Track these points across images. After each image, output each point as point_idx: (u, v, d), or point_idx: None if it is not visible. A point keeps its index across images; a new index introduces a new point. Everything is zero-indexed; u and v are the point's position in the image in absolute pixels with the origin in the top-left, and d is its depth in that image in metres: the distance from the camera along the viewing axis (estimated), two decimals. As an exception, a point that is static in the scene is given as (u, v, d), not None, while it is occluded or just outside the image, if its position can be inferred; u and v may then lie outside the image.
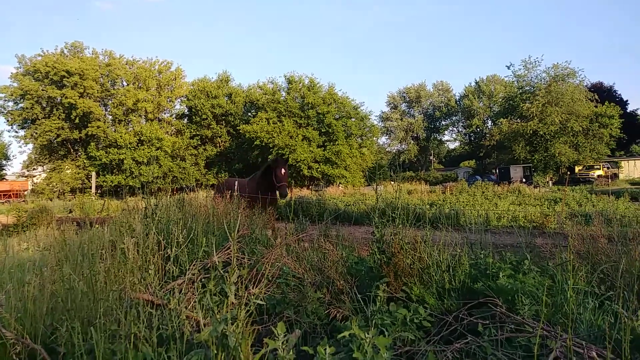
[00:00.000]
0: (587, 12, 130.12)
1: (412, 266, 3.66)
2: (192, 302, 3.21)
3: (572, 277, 3.37)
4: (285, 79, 54.15)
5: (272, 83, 56.60)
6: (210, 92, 58.30)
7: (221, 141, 59.28)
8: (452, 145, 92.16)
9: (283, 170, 8.64)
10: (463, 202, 19.59)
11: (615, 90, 64.55)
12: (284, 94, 53.67)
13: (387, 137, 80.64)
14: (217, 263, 2.44)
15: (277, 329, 2.11)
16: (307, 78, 53.15)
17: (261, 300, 2.54)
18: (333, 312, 3.34)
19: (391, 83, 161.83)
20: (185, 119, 60.40)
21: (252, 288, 3.58)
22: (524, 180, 41.90)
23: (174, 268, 4.13)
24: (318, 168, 48.16)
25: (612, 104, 51.38)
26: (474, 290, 3.58)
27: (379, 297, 3.07)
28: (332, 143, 49.94)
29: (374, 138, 59.89)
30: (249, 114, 58.65)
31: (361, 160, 51.99)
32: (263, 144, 48.16)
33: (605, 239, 3.95)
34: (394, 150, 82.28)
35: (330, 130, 49.92)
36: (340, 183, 47.15)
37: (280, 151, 47.24)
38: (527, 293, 3.19)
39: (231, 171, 55.80)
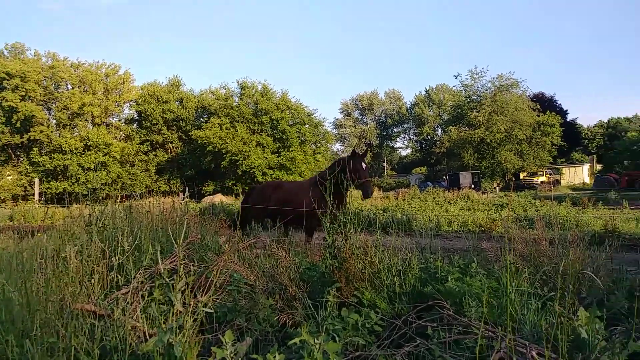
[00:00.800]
0: (530, 24, 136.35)
1: (363, 271, 3.68)
2: (137, 312, 3.09)
3: (515, 279, 3.49)
4: (238, 85, 53.70)
5: (225, 89, 55.97)
6: (161, 96, 56.91)
7: (172, 147, 57.95)
8: (404, 152, 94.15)
9: (364, 165, 6.95)
10: (415, 207, 19.99)
11: (555, 100, 67.82)
12: (236, 99, 53.12)
13: (341, 144, 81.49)
14: (162, 271, 2.36)
15: (225, 337, 2.05)
16: (260, 84, 52.94)
17: (210, 308, 2.48)
18: (283, 319, 3.30)
19: (344, 90, 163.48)
20: (135, 124, 58.62)
21: (201, 296, 3.49)
22: (472, 186, 43.23)
23: (119, 277, 3.98)
24: (272, 174, 47.92)
25: (553, 113, 53.97)
26: (423, 293, 3.63)
27: (329, 303, 3.05)
28: (286, 149, 49.88)
29: (328, 144, 60.33)
30: (201, 119, 57.63)
31: (316, 166, 52.16)
32: (216, 150, 47.47)
33: (546, 242, 4.12)
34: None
35: (284, 136, 49.85)
36: (294, 190, 47.09)
37: (233, 157, 46.72)
38: (473, 295, 3.27)
39: (183, 177, 54.64)
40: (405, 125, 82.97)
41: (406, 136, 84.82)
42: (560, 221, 12.40)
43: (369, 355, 2.55)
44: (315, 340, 2.13)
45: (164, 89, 58.46)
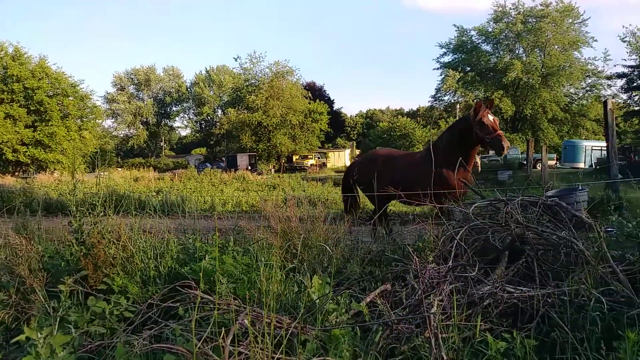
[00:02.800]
0: (303, 17, 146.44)
1: (115, 256, 3.49)
2: None
3: (266, 254, 3.75)
4: (-20, 45, 44.68)
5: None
6: None
7: None
8: (183, 132, 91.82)
9: (492, 117, 5.77)
10: (190, 188, 19.75)
11: (325, 90, 74.31)
12: (-23, 61, 44.21)
13: (113, 120, 75.04)
14: None
15: None
16: (11, 46, 45.00)
17: None
18: (13, 314, 2.92)
19: (117, 62, 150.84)
20: None
21: None
22: (249, 167, 44.78)
23: None
24: (26, 152, 41.48)
25: (322, 102, 59.23)
26: (181, 274, 3.63)
27: (64, 292, 2.81)
28: (44, 123, 43.55)
29: (98, 120, 54.93)
30: None
31: (82, 144, 46.99)
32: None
33: (297, 219, 4.53)
34: (122, 135, 77.28)
35: (41, 108, 43.38)
36: (55, 169, 41.70)
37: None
38: (227, 272, 3.40)
39: None
40: (185, 105, 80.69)
41: (186, 116, 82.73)
42: (322, 200, 13.79)
43: (110, 343, 2.44)
44: (39, 334, 1.93)
45: None
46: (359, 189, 7.21)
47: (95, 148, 46.86)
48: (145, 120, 76.63)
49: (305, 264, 3.98)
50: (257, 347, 2.23)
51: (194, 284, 3.09)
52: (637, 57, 31.78)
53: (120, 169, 46.13)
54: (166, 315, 3.02)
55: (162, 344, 2.27)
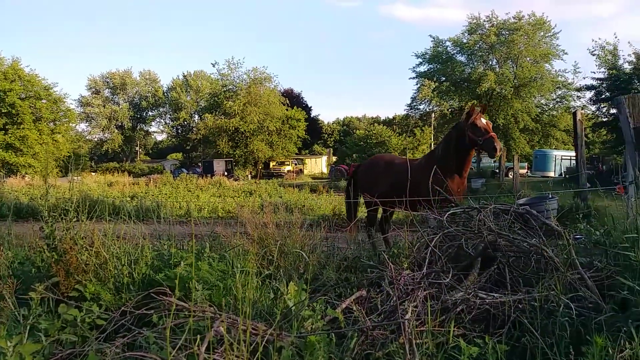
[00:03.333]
0: (281, 24, 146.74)
1: (88, 262, 3.43)
2: None
3: (243, 261, 3.74)
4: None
5: None
6: None
7: None
8: (159, 137, 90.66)
9: (484, 120, 5.80)
10: (166, 194, 19.51)
11: (302, 97, 74.38)
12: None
13: (87, 124, 73.58)
14: None
15: None
16: (-18, 47, 43.90)
17: None
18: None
19: (92, 65, 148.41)
20: None
21: None
22: (226, 173, 44.48)
23: None
24: (-4, 155, 40.45)
25: (299, 109, 59.33)
26: (156, 280, 3.59)
27: (34, 300, 2.75)
28: (15, 126, 42.56)
29: (71, 124, 53.87)
30: None
31: (54, 148, 46.00)
32: None
33: (274, 225, 4.53)
34: (96, 139, 75.88)
35: (13, 111, 42.37)
36: (26, 173, 40.69)
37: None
38: (203, 279, 3.38)
39: None
40: (161, 109, 79.71)
41: (162, 120, 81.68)
42: (299, 206, 13.79)
43: (82, 352, 2.39)
44: (8, 343, 1.89)
45: None
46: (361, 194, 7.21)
47: (69, 152, 45.91)
48: (120, 124, 75.38)
49: (281, 270, 3.98)
50: (232, 355, 2.22)
51: (169, 290, 3.06)
52: (606, 70, 32.73)
53: (94, 174, 45.30)
54: (140, 322, 2.99)
55: (135, 352, 2.24)
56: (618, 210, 5.49)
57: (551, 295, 2.87)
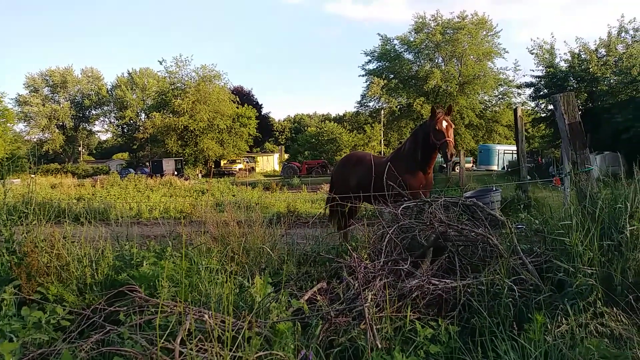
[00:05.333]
0: (230, 22, 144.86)
1: (49, 265, 3.42)
2: None
3: (206, 258, 3.82)
4: None
5: None
6: None
7: None
8: (103, 137, 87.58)
9: (445, 123, 5.78)
10: (114, 195, 18.99)
11: (253, 95, 73.98)
12: None
13: (25, 124, 70.03)
14: None
15: None
16: None
17: None
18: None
19: (30, 63, 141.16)
20: None
21: None
22: (176, 173, 43.59)
23: None
24: None
25: (250, 106, 58.92)
26: (118, 281, 3.61)
27: (4, 302, 2.75)
28: (-54, 127, 40.12)
29: (9, 124, 51.22)
30: None
31: (-11, 149, 43.63)
32: None
33: (235, 223, 4.62)
34: (35, 139, 72.36)
35: (-58, 110, 39.96)
36: (-41, 176, 38.35)
37: None
38: (168, 277, 3.44)
39: None
40: (106, 108, 76.89)
41: (106, 119, 78.85)
42: (253, 204, 13.83)
43: (53, 351, 2.43)
44: (-15, 343, 1.92)
45: None
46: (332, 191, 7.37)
47: (6, 153, 43.58)
48: (61, 124, 72.18)
49: (245, 266, 4.09)
50: (208, 345, 2.32)
51: (138, 288, 3.11)
52: (544, 68, 34.46)
53: (33, 176, 43.22)
54: (107, 321, 3.02)
55: (110, 347, 2.30)
56: (555, 201, 5.95)
57: (496, 279, 3.13)
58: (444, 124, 5.80)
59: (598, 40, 32.92)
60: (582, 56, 32.47)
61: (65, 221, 4.19)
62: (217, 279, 3.42)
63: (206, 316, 2.61)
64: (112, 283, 3.64)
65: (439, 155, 6.06)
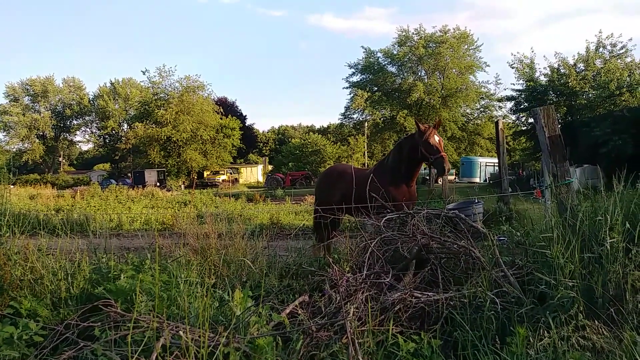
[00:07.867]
0: (215, 34, 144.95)
1: (22, 278, 3.31)
2: None
3: (186, 271, 3.74)
4: None
5: None
6: None
7: None
8: (85, 147, 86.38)
9: (437, 137, 5.87)
10: (94, 206, 18.68)
11: (237, 106, 73.81)
12: None
13: (4, 134, 68.76)
14: None
15: None
16: None
17: None
18: None
19: (10, 72, 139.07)
20: None
21: None
22: (158, 184, 43.16)
23: None
24: None
25: (234, 117, 58.78)
26: (94, 295, 3.51)
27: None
28: None
29: (-14, 133, 50.36)
30: None
31: (-34, 159, 42.73)
32: None
33: (216, 235, 4.55)
34: (14, 149, 71.04)
35: None
36: None
37: None
38: (145, 291, 3.35)
39: None
40: (87, 118, 75.90)
41: (88, 129, 77.81)
42: (236, 216, 13.71)
43: (24, 369, 2.34)
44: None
45: None
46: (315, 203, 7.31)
47: (-16, 163, 42.71)
48: (41, 133, 71.05)
49: (226, 279, 4.02)
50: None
51: (113, 302, 3.03)
52: (524, 82, 35.10)
53: (12, 186, 42.41)
54: (81, 336, 2.93)
55: (83, 364, 2.22)
56: (536, 213, 5.99)
57: (479, 292, 3.12)
58: (437, 138, 5.86)
59: (577, 55, 33.72)
60: (562, 71, 33.20)
61: (41, 233, 4.08)
62: (197, 292, 3.34)
63: (181, 332, 2.54)
64: (88, 297, 3.54)
65: (423, 167, 6.10)
